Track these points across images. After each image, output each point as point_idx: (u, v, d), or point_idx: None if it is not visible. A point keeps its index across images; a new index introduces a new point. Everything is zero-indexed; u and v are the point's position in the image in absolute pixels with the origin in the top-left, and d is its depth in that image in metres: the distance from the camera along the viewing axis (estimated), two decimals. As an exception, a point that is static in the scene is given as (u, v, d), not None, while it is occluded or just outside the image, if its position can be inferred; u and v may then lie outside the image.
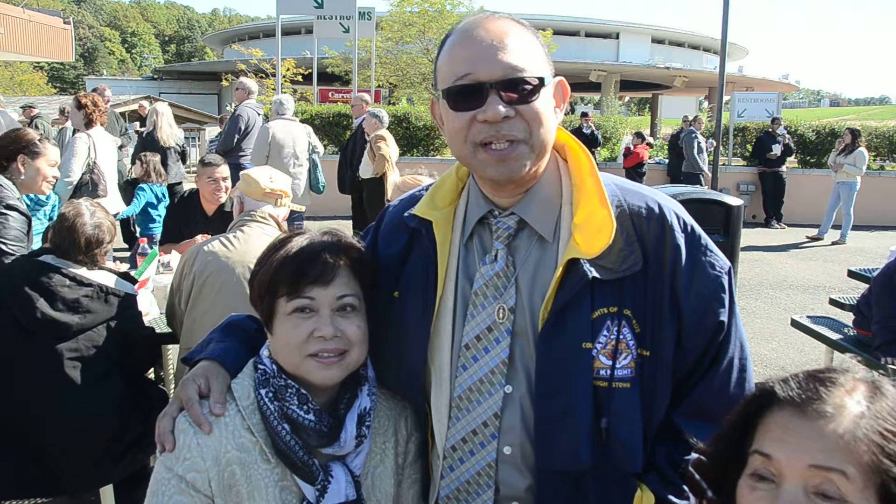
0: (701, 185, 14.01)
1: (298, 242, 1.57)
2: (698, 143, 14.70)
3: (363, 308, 1.58)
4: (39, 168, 4.09)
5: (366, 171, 9.34)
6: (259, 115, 9.70)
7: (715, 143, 13.33)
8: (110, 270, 3.37)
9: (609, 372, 1.44)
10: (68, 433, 3.06)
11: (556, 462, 1.46)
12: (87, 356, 3.09)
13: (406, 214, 1.64)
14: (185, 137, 13.41)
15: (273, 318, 1.54)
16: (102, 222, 3.33)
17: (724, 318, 1.51)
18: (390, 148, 9.16)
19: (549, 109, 1.46)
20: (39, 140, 4.12)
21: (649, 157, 17.22)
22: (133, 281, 3.48)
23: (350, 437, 1.53)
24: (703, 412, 1.50)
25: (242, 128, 9.35)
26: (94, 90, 10.36)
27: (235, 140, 9.29)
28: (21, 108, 14.33)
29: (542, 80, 1.44)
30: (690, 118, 16.70)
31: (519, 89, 1.41)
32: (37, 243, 4.46)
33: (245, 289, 3.31)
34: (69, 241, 3.23)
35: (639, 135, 16.74)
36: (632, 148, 16.30)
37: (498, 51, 1.40)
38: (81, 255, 3.23)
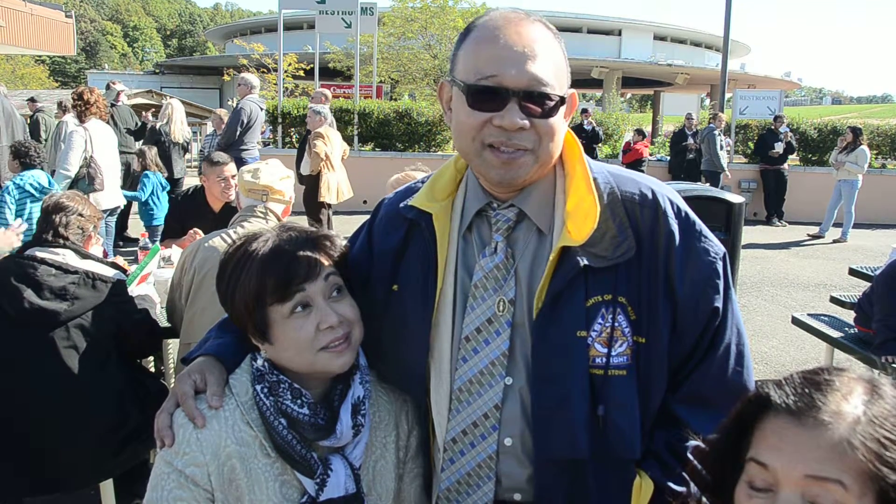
0: (719, 183, 13.98)
1: (265, 246, 1.53)
2: (720, 141, 14.66)
3: (345, 286, 1.58)
4: None
5: (304, 168, 9.36)
6: (262, 109, 9.72)
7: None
8: (98, 259, 3.38)
9: (605, 360, 1.45)
10: (66, 426, 3.06)
11: (554, 451, 1.47)
12: (80, 346, 3.10)
13: (403, 206, 1.63)
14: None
15: (270, 327, 1.51)
16: (70, 195, 3.42)
17: (718, 304, 1.51)
18: (329, 146, 9.15)
19: (561, 125, 1.47)
20: None
21: (650, 155, 17.20)
22: (122, 270, 3.48)
23: (346, 428, 1.52)
24: (700, 399, 1.51)
25: (245, 121, 9.36)
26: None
27: (238, 133, 9.30)
28: (27, 100, 14.34)
29: (563, 98, 1.44)
30: (693, 115, 16.67)
31: (540, 103, 1.40)
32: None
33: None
34: (41, 218, 3.32)
35: (639, 132, 16.72)
36: (632, 144, 16.28)
37: (527, 59, 1.39)
38: (44, 223, 3.27)
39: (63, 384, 3.05)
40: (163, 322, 3.79)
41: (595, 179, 1.52)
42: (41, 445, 3.06)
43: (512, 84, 1.38)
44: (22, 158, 6.27)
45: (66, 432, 3.06)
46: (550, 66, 1.41)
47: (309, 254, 1.52)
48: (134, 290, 3.98)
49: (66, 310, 3.07)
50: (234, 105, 9.76)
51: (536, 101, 1.40)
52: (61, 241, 3.26)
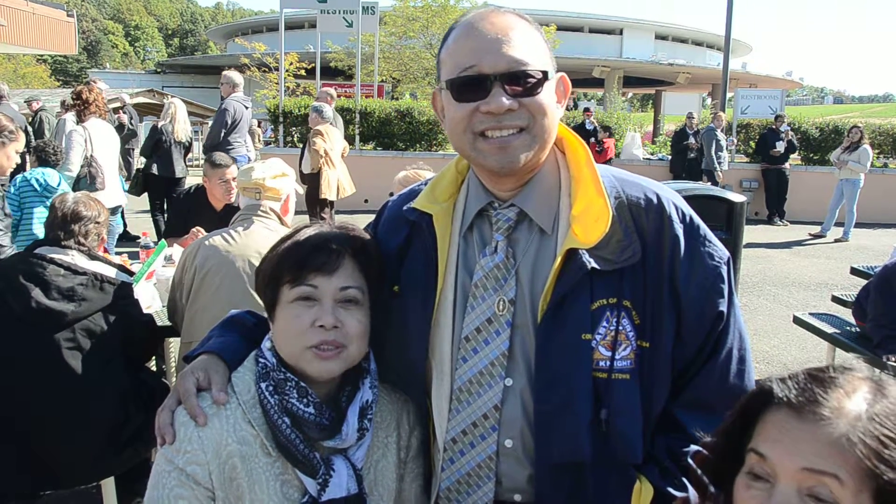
0: (717, 183, 13.95)
1: (306, 232, 1.58)
2: (717, 140, 14.63)
3: (366, 303, 1.57)
4: (9, 154, 4.48)
5: (306, 165, 9.35)
6: (247, 108, 9.64)
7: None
8: (105, 261, 3.38)
9: (608, 363, 1.45)
10: (67, 425, 3.06)
11: (555, 454, 1.47)
12: (84, 347, 3.10)
13: (405, 208, 1.64)
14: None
15: (276, 306, 1.54)
16: (85, 201, 3.40)
17: (723, 308, 1.51)
18: (329, 142, 9.16)
19: (552, 102, 1.48)
20: (14, 127, 4.53)
21: (651, 154, 17.20)
22: (130, 273, 3.48)
23: (352, 430, 1.52)
24: (702, 403, 1.51)
25: (229, 121, 9.29)
26: (86, 83, 10.41)
27: (223, 134, 9.25)
28: (25, 101, 14.35)
29: (545, 73, 1.44)
30: (695, 115, 16.65)
31: (523, 82, 1.42)
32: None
33: (245, 283, 3.33)
34: (51, 220, 3.33)
35: (605, 128, 16.72)
36: (602, 143, 16.23)
37: (502, 44, 1.41)
38: (62, 231, 3.27)
39: (65, 384, 3.05)
40: (163, 321, 3.79)
41: (602, 184, 1.52)
42: (42, 444, 3.06)
43: (491, 70, 1.41)
44: (39, 154, 6.52)
45: (67, 431, 3.06)
46: (527, 47, 1.44)
47: (334, 250, 1.53)
48: (141, 286, 3.99)
49: (73, 311, 3.07)
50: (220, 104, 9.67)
51: (519, 81, 1.42)
52: (74, 245, 3.27)
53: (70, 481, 3.24)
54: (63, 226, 3.28)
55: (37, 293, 3.03)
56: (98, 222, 3.41)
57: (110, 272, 3.28)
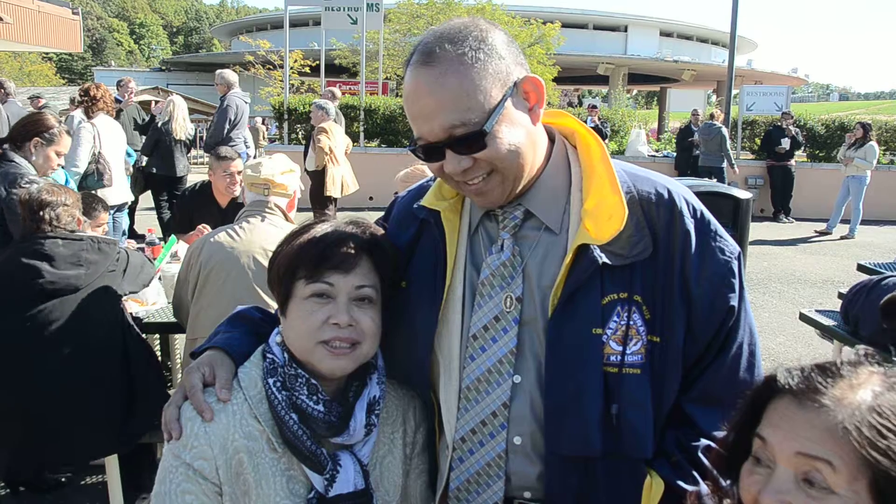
0: (724, 179, 13.91)
1: (323, 228, 1.58)
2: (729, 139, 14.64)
3: (379, 302, 1.57)
4: (49, 155, 4.37)
5: (310, 163, 9.39)
6: (246, 103, 9.69)
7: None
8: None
9: (619, 358, 1.45)
10: (67, 408, 3.08)
11: (566, 448, 1.46)
12: (92, 314, 3.16)
13: (415, 206, 1.65)
14: (196, 128, 13.36)
15: (289, 300, 1.54)
16: (48, 188, 3.38)
17: (734, 302, 1.51)
18: (333, 140, 9.19)
19: (510, 135, 1.41)
20: (57, 130, 4.41)
21: (656, 151, 17.19)
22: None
23: (359, 426, 1.52)
24: (712, 398, 1.50)
25: (232, 118, 9.32)
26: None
27: (226, 131, 9.27)
28: (28, 98, 14.38)
29: (482, 130, 1.37)
30: (699, 112, 16.61)
31: (466, 145, 1.40)
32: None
33: (250, 279, 3.33)
34: (22, 216, 3.32)
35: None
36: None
37: (437, 112, 1.38)
38: (32, 222, 3.28)
39: (63, 368, 3.07)
40: (169, 317, 3.80)
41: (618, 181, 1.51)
42: (42, 427, 3.09)
43: (435, 139, 1.41)
44: None
45: (64, 412, 3.09)
46: (460, 105, 1.36)
47: (352, 248, 1.53)
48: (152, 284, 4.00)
49: (84, 275, 3.14)
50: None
51: (461, 145, 1.40)
52: (49, 231, 3.26)
53: (69, 459, 3.27)
54: (32, 216, 3.29)
55: (45, 266, 3.09)
56: (67, 204, 3.38)
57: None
